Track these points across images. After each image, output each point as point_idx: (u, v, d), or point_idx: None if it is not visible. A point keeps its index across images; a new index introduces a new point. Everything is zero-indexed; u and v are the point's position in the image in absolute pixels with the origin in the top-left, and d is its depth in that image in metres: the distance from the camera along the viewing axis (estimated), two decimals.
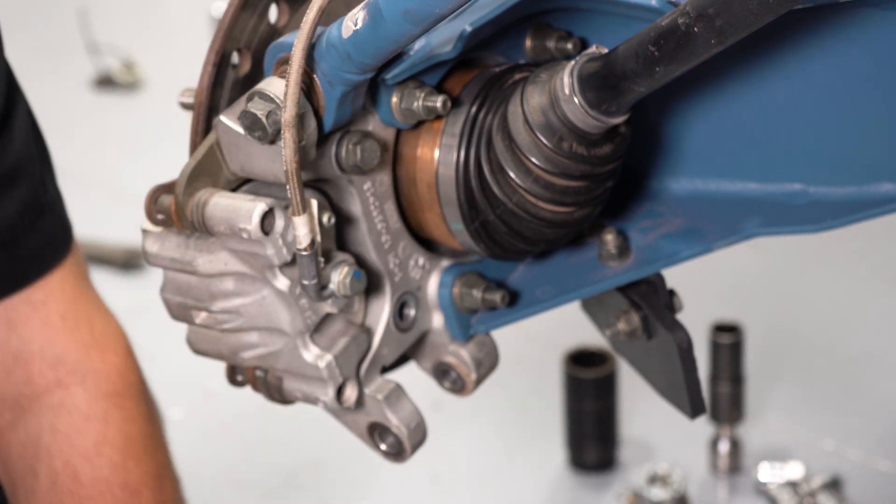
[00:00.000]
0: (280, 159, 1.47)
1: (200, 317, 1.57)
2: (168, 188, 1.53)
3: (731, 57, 1.55)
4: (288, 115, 1.43)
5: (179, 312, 1.59)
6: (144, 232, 1.56)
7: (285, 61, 1.50)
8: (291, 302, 1.54)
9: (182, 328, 1.62)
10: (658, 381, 1.74)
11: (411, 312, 1.69)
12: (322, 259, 1.51)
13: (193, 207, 1.50)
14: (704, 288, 3.48)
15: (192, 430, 3.11)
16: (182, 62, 4.73)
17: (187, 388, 3.18)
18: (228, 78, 1.56)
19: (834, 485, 2.87)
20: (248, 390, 1.68)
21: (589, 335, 2.57)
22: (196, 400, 3.23)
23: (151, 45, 5.28)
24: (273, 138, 1.47)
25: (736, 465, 2.97)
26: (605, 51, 1.47)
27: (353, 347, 1.61)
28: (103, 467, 1.87)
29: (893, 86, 1.53)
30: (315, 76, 1.48)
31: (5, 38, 1.78)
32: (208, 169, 1.52)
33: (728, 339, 2.88)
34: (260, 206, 1.47)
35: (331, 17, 1.55)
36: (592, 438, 2.96)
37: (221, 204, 1.49)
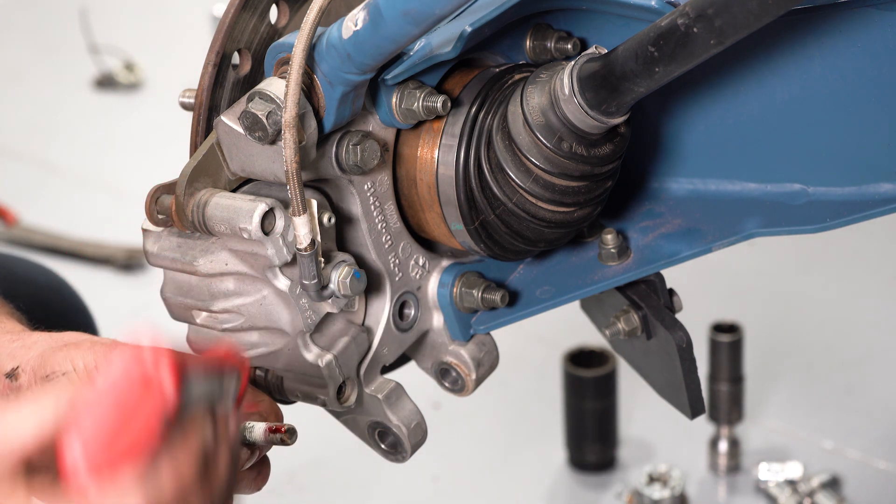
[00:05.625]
0: (280, 159, 1.48)
1: (201, 317, 1.57)
2: (169, 188, 1.53)
3: (731, 57, 1.56)
4: (288, 116, 1.43)
5: (180, 312, 1.59)
6: (145, 232, 1.56)
7: (286, 62, 1.50)
8: (292, 302, 1.54)
9: (183, 328, 1.62)
10: (657, 380, 1.74)
11: (411, 312, 1.69)
12: (322, 259, 1.51)
13: (194, 207, 1.50)
14: (704, 288, 3.48)
15: None
16: (183, 62, 4.74)
17: None
18: (229, 78, 1.56)
19: (833, 484, 2.87)
20: None
21: (589, 335, 2.57)
22: None
23: (152, 45, 5.28)
24: (273, 138, 1.47)
25: (735, 464, 2.97)
26: (605, 51, 1.47)
27: (354, 347, 1.61)
28: None
29: (893, 86, 1.53)
30: (315, 76, 1.48)
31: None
32: (209, 169, 1.52)
33: (727, 338, 2.88)
34: (260, 207, 1.47)
35: (331, 18, 1.55)
36: (592, 438, 2.96)
37: (222, 204, 1.49)
